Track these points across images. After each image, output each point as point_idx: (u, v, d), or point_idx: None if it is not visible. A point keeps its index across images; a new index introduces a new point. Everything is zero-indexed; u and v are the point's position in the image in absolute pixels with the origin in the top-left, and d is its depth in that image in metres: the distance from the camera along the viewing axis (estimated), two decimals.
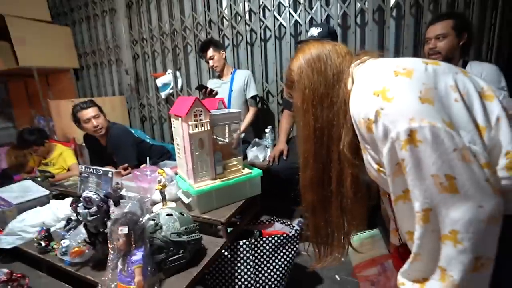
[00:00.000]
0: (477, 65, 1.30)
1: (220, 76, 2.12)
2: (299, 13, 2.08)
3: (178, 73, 2.65)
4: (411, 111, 0.44)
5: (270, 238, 1.23)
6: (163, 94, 2.67)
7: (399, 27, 1.88)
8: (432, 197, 0.43)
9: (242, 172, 1.28)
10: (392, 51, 1.91)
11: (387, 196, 0.70)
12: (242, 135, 1.77)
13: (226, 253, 1.18)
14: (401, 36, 1.85)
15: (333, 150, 0.60)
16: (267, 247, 1.23)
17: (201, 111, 1.11)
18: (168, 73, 2.62)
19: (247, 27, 2.27)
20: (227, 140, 1.28)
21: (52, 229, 1.17)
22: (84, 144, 2.05)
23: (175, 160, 2.03)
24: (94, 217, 0.91)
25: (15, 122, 3.54)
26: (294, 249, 1.28)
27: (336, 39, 1.58)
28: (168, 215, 0.94)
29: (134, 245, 0.81)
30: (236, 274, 1.19)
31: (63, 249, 0.98)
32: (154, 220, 0.91)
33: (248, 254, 1.20)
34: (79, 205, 0.94)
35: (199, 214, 1.15)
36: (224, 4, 2.35)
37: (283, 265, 1.25)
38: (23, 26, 2.63)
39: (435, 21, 1.33)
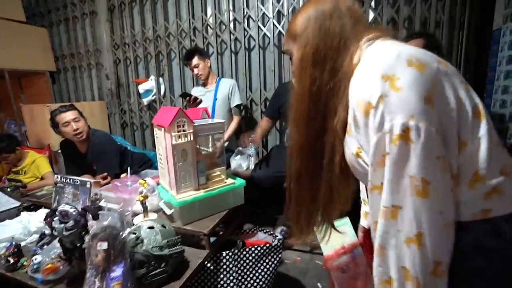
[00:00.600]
0: None
1: (204, 84, 2.12)
2: (283, 25, 2.14)
3: (161, 80, 2.62)
4: (413, 108, 0.42)
5: (253, 248, 1.24)
6: (145, 101, 2.63)
7: None
8: (404, 197, 0.44)
9: (225, 182, 1.28)
10: None
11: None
12: (226, 143, 1.77)
13: (209, 265, 1.17)
14: None
15: (329, 121, 0.56)
16: (250, 257, 1.23)
17: (184, 122, 1.11)
18: (151, 79, 2.58)
19: (232, 36, 2.30)
20: (210, 150, 1.28)
21: (22, 244, 1.10)
22: (59, 151, 1.96)
23: (156, 168, 2.01)
24: (71, 231, 0.87)
25: None
26: (277, 258, 1.29)
27: None
28: (149, 228, 0.92)
29: (113, 261, 0.78)
30: (219, 285, 1.18)
31: (35, 266, 0.93)
32: (135, 233, 0.88)
33: (231, 265, 1.19)
34: (54, 219, 0.90)
35: (182, 226, 1.13)
36: (209, 12, 2.36)
37: (266, 275, 1.26)
38: None
39: (407, 39, 1.42)
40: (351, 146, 0.54)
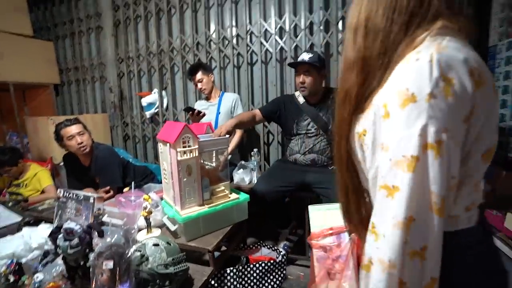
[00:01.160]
0: None
1: (207, 98, 2.15)
2: (285, 41, 2.19)
3: (164, 93, 2.65)
4: (452, 122, 0.40)
5: (257, 265, 1.22)
6: (148, 114, 2.65)
7: None
8: (421, 212, 0.42)
9: (229, 197, 1.28)
10: None
11: None
12: (229, 157, 1.78)
13: (213, 282, 1.15)
14: None
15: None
16: (255, 274, 1.22)
17: (189, 138, 1.12)
18: (154, 93, 2.61)
19: (234, 51, 2.35)
20: (214, 164, 1.29)
21: (23, 261, 1.09)
22: (62, 164, 1.96)
23: (158, 181, 2.01)
24: (75, 249, 0.86)
25: None
26: (282, 274, 1.28)
27: (324, 66, 1.68)
28: (154, 245, 0.91)
29: (118, 280, 0.77)
30: None
31: (36, 285, 0.91)
32: (140, 251, 0.88)
33: (235, 282, 1.17)
34: (58, 236, 0.90)
35: (186, 242, 1.12)
36: (212, 28, 2.42)
37: None
38: (2, 40, 2.55)
39: None
40: (359, 125, 0.51)
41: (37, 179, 2.03)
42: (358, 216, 0.59)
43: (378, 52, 0.49)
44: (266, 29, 2.24)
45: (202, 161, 1.22)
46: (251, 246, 1.48)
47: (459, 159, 0.42)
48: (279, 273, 1.27)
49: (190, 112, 1.78)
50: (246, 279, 1.19)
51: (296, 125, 1.72)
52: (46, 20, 3.16)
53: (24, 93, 3.21)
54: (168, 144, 1.13)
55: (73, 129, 1.65)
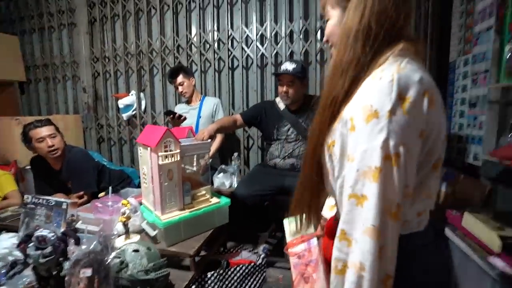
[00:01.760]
0: None
1: (188, 102, 2.14)
2: (265, 47, 2.24)
3: (142, 95, 2.59)
4: (409, 137, 0.45)
5: (238, 268, 1.24)
6: (125, 116, 2.56)
7: None
8: (385, 220, 0.45)
9: (211, 201, 1.29)
10: None
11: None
12: (209, 161, 1.78)
13: (193, 287, 1.15)
14: None
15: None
16: (235, 277, 1.23)
17: (171, 142, 1.11)
18: (132, 94, 2.53)
19: (216, 55, 2.36)
20: (195, 169, 1.29)
21: None
22: (28, 168, 1.83)
23: (135, 185, 1.95)
24: (48, 259, 0.83)
25: None
26: (262, 277, 1.30)
27: (306, 75, 1.75)
28: (134, 251, 0.90)
29: None
30: None
31: None
32: (119, 257, 0.86)
33: (216, 286, 1.18)
34: (29, 245, 0.85)
35: (166, 247, 1.11)
36: (194, 31, 2.42)
37: None
38: None
39: None
40: (329, 135, 0.54)
41: None
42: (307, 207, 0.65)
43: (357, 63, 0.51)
44: (247, 35, 2.28)
45: (183, 166, 1.22)
46: (231, 249, 1.49)
47: (415, 170, 0.47)
48: (259, 275, 1.29)
49: (171, 116, 1.76)
50: (227, 282, 1.20)
51: (277, 131, 1.77)
52: (10, 13, 2.94)
53: None
54: (148, 148, 1.11)
55: (44, 131, 1.55)
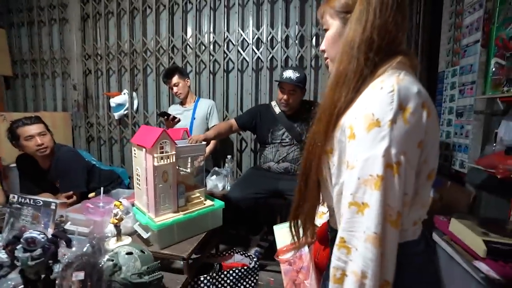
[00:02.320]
0: None
1: (182, 103, 2.12)
2: (261, 51, 2.26)
3: (134, 94, 2.55)
4: (409, 147, 0.46)
5: (231, 271, 1.23)
6: (116, 115, 2.51)
7: None
8: (385, 226, 0.46)
9: (205, 204, 1.28)
10: None
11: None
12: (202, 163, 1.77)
13: None
14: None
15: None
16: (228, 281, 1.23)
17: (167, 143, 1.11)
18: (124, 93, 2.49)
19: (211, 57, 2.36)
20: (189, 171, 1.28)
21: None
22: (13, 166, 1.77)
23: (126, 185, 1.91)
24: (38, 261, 0.80)
25: None
26: (254, 280, 1.30)
27: (305, 84, 1.77)
28: (128, 253, 0.88)
29: None
30: None
31: None
32: (113, 260, 0.84)
33: None
34: (17, 247, 0.82)
35: (159, 250, 1.10)
36: (189, 32, 2.41)
37: None
38: None
39: None
40: (327, 143, 0.54)
41: None
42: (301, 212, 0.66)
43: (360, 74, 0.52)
44: (243, 39, 2.29)
45: (177, 167, 1.21)
46: (224, 253, 1.49)
47: (413, 178, 0.49)
48: (252, 279, 1.29)
49: (165, 117, 1.74)
50: (220, 286, 1.19)
51: (271, 134, 1.78)
52: None
53: None
54: (144, 149, 1.10)
55: (33, 128, 1.50)
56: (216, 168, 1.95)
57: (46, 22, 2.69)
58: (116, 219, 1.10)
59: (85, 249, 0.78)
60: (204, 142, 1.32)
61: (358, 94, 0.52)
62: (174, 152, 1.13)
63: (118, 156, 2.66)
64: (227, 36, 2.32)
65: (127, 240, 1.16)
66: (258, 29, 2.27)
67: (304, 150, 0.61)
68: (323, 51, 0.65)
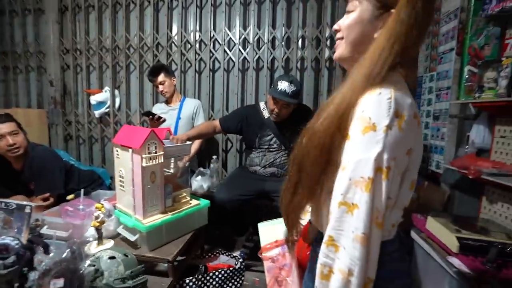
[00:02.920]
0: None
1: (167, 102, 2.08)
2: (248, 52, 2.26)
3: (116, 92, 2.46)
4: (399, 153, 0.48)
5: (217, 273, 1.23)
6: (97, 113, 2.41)
7: (331, 76, 2.25)
8: (372, 228, 0.48)
9: (191, 203, 1.27)
10: (325, 96, 2.24)
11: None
12: (187, 163, 1.74)
13: None
14: (332, 83, 2.22)
15: None
16: (214, 282, 1.22)
17: (155, 144, 1.08)
18: (105, 91, 2.40)
19: (197, 56, 2.32)
20: (172, 171, 1.26)
21: None
22: None
23: (107, 186, 1.84)
24: (11, 269, 0.75)
25: None
26: (240, 281, 1.30)
27: (299, 97, 1.73)
28: (110, 258, 0.86)
29: None
30: None
31: None
32: (94, 265, 0.81)
33: None
34: None
35: (145, 253, 1.07)
36: (174, 30, 2.36)
37: None
38: None
39: None
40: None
41: None
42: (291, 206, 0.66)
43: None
44: (230, 38, 2.28)
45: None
46: (209, 254, 1.48)
47: (398, 184, 0.52)
48: (238, 279, 1.29)
49: (150, 117, 1.70)
50: None
51: (259, 139, 1.76)
52: None
53: None
54: (130, 150, 1.07)
55: (4, 127, 1.41)
56: (201, 169, 1.93)
57: (19, 12, 2.53)
58: (98, 222, 1.06)
59: (64, 254, 0.74)
60: (189, 142, 1.30)
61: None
62: (162, 153, 1.10)
63: (99, 156, 2.56)
64: (213, 35, 2.29)
65: (109, 244, 1.12)
66: (245, 29, 2.26)
67: (308, 147, 0.57)
68: (337, 30, 0.61)
